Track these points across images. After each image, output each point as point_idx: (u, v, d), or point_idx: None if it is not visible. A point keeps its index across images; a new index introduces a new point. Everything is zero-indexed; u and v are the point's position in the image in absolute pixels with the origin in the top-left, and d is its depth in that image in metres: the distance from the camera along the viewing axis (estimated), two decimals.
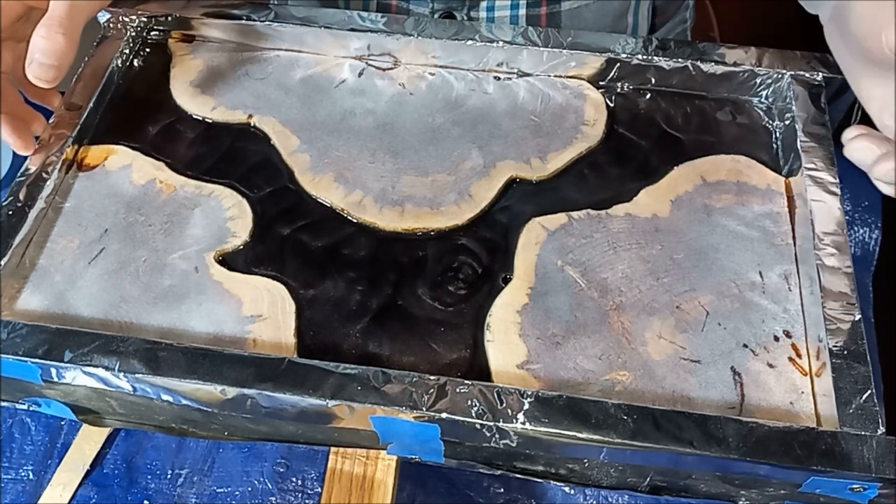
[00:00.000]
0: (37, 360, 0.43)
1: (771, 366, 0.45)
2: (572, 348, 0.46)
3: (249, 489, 0.49)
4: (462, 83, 0.58)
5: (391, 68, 0.59)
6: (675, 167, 0.54)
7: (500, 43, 0.57)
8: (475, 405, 0.41)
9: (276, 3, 0.62)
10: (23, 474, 0.49)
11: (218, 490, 0.49)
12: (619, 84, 0.58)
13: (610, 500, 0.48)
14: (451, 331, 0.47)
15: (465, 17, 0.67)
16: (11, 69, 0.52)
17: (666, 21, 0.77)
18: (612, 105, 0.57)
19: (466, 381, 0.42)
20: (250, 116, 0.56)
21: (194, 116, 0.57)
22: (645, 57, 0.56)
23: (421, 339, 0.47)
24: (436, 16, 0.67)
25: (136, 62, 0.60)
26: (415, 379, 0.42)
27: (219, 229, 0.51)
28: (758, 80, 0.56)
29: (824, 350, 0.44)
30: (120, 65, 0.58)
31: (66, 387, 0.44)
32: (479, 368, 0.45)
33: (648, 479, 0.44)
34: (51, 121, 0.53)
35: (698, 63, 0.56)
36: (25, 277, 0.48)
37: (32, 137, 0.52)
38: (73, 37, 0.47)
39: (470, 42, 0.57)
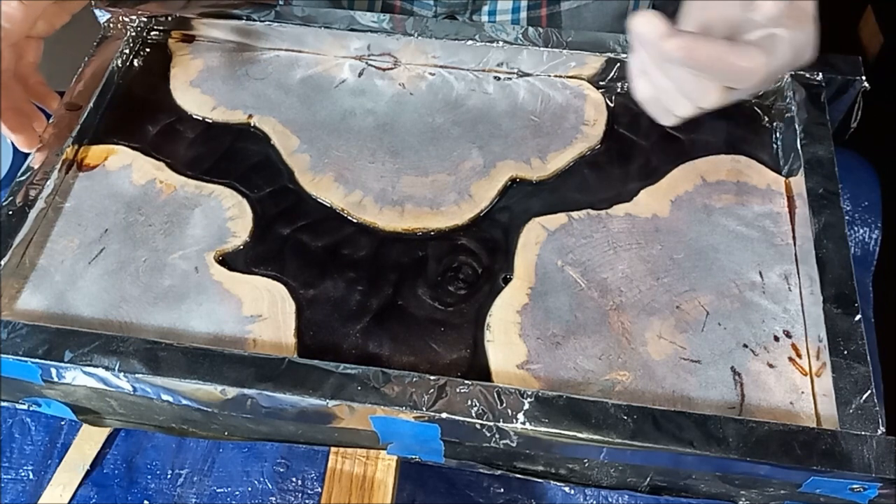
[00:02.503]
0: (37, 360, 0.43)
1: (771, 366, 0.45)
2: (572, 348, 0.46)
3: (249, 489, 0.49)
4: (462, 83, 0.58)
5: (391, 68, 0.59)
6: (675, 167, 0.54)
7: (500, 43, 0.57)
8: (475, 405, 0.41)
9: (280, 3, 0.62)
10: (23, 474, 0.49)
11: (218, 490, 0.49)
12: (619, 84, 0.58)
13: (610, 500, 0.48)
14: (451, 331, 0.47)
15: (468, 21, 0.67)
16: (14, 67, 0.52)
17: None
18: (612, 105, 0.57)
19: (466, 381, 0.42)
20: (250, 116, 0.56)
21: (194, 116, 0.57)
22: None
23: (421, 339, 0.47)
24: (438, 18, 0.67)
25: (136, 62, 0.60)
26: (415, 379, 0.42)
27: (219, 229, 0.51)
28: None
29: (824, 350, 0.44)
30: (120, 65, 0.58)
31: (66, 387, 0.44)
32: (479, 368, 0.45)
33: (648, 479, 0.44)
34: (51, 121, 0.53)
35: None
36: (25, 277, 0.48)
37: (36, 134, 0.52)
38: (32, 7, 0.48)
39: (470, 42, 0.57)
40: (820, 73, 0.55)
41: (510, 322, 0.47)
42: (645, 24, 0.38)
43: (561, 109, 0.57)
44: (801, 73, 0.55)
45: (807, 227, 0.48)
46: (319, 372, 0.42)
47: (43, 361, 0.43)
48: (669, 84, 0.41)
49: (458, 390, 0.41)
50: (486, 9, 0.67)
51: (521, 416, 0.40)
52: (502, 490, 0.49)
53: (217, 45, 0.61)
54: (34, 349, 0.43)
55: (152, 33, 0.61)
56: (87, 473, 0.49)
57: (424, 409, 0.41)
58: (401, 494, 0.48)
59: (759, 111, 0.56)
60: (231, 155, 0.55)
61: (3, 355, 0.43)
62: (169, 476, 0.49)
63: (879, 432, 0.41)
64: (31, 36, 0.51)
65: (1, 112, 0.49)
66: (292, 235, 0.51)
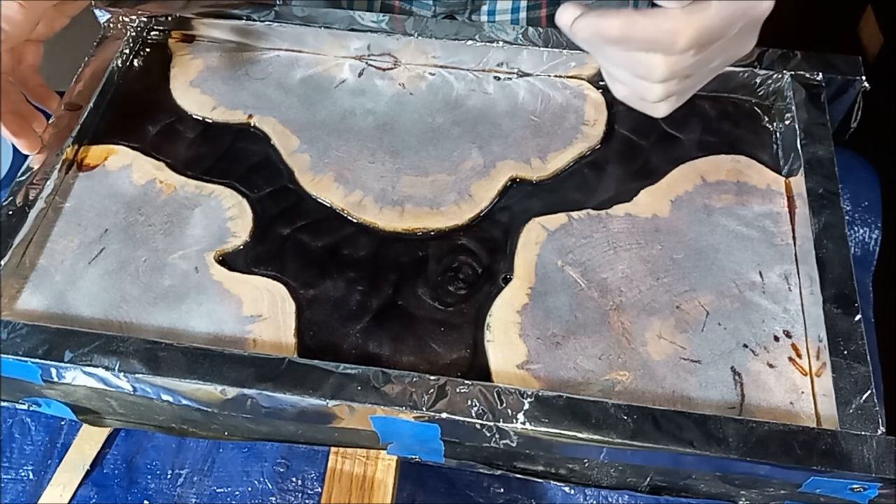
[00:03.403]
0: (37, 360, 0.43)
1: (771, 366, 0.45)
2: (572, 348, 0.46)
3: (249, 489, 0.49)
4: (462, 83, 0.58)
5: (391, 68, 0.59)
6: (675, 167, 0.54)
7: (500, 43, 0.57)
8: (475, 405, 0.41)
9: (280, 3, 0.62)
10: (23, 474, 0.49)
11: (218, 490, 0.49)
12: None
13: (610, 500, 0.48)
14: (451, 331, 0.47)
15: (468, 21, 0.67)
16: (12, 70, 0.52)
17: None
18: (612, 105, 0.57)
19: (466, 381, 0.42)
20: (250, 116, 0.56)
21: (194, 116, 0.57)
22: None
23: (421, 339, 0.47)
24: (437, 18, 0.67)
25: (136, 62, 0.60)
26: (415, 379, 0.42)
27: (219, 229, 0.51)
28: (758, 80, 0.56)
29: (824, 350, 0.44)
30: (120, 65, 0.58)
31: (66, 387, 0.44)
32: (479, 368, 0.45)
33: (648, 479, 0.44)
34: (51, 121, 0.53)
35: None
36: (25, 277, 0.48)
37: (37, 136, 0.52)
38: (33, 10, 0.48)
39: (470, 42, 0.57)
40: (820, 73, 0.55)
41: (510, 322, 0.47)
42: (558, 18, 0.38)
43: (561, 109, 0.57)
44: (801, 73, 0.55)
45: (807, 227, 0.48)
46: (319, 372, 0.42)
47: (43, 361, 0.43)
48: (625, 73, 0.40)
49: (458, 390, 0.41)
50: (485, 9, 0.67)
51: (521, 416, 0.40)
52: (502, 490, 0.49)
53: (217, 45, 0.61)
54: (34, 349, 0.43)
55: (152, 33, 0.61)
56: (87, 473, 0.49)
57: (424, 409, 0.41)
58: (401, 494, 0.48)
59: (759, 111, 0.56)
60: (231, 155, 0.55)
61: (3, 355, 0.43)
62: (169, 476, 0.49)
63: (879, 432, 0.41)
64: (31, 39, 0.51)
65: (1, 116, 0.49)
66: (292, 235, 0.51)
